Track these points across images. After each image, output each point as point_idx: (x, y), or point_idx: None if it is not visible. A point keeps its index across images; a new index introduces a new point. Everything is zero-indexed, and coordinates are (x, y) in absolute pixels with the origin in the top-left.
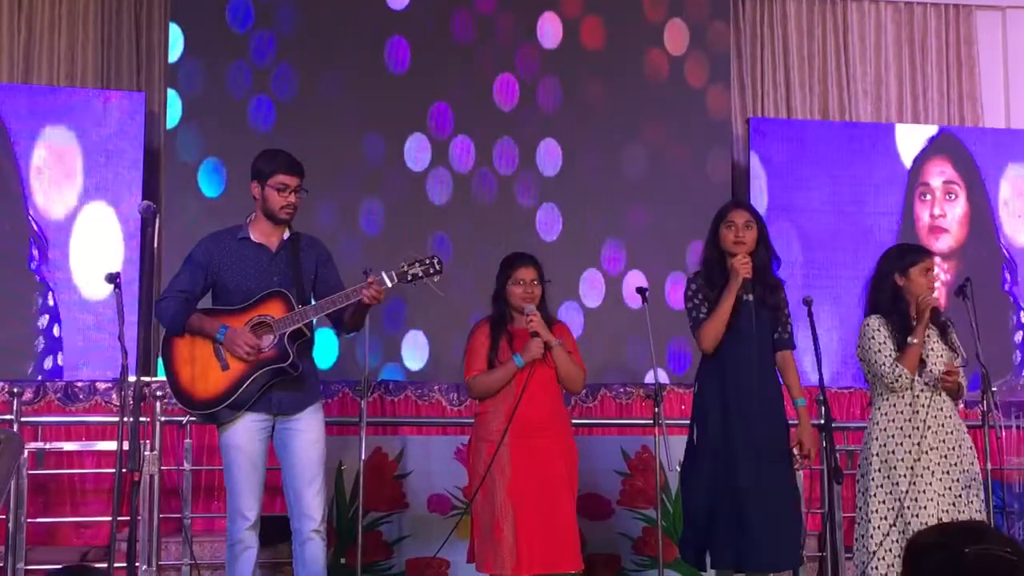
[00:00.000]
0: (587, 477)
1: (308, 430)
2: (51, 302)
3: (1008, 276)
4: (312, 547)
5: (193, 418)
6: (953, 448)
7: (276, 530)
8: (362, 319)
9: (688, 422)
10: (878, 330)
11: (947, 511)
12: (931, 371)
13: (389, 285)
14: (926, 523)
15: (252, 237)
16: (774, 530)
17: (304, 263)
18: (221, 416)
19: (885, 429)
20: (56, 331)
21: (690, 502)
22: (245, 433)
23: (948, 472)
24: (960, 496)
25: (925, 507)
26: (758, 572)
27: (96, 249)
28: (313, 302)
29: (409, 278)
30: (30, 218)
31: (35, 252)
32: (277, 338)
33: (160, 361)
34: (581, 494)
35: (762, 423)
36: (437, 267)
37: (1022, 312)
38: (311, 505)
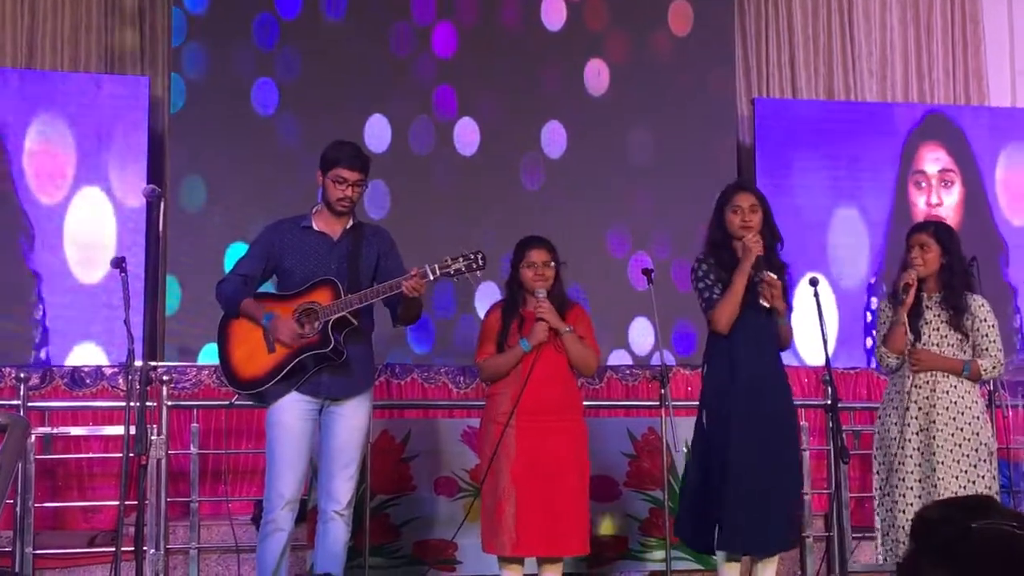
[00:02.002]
0: (594, 459)
1: (353, 416)
2: (46, 289)
3: (1005, 258)
4: (335, 528)
5: (242, 400)
6: (952, 431)
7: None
8: (414, 312)
9: (695, 404)
10: (882, 311)
11: (930, 492)
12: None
13: (431, 278)
14: (911, 503)
15: (315, 226)
16: (780, 512)
17: (365, 252)
18: (266, 396)
19: (884, 408)
20: (48, 319)
21: (691, 481)
22: (290, 412)
23: (936, 453)
24: (976, 478)
25: (912, 488)
26: (764, 555)
27: (91, 235)
28: None
29: (452, 272)
30: (23, 204)
31: (28, 239)
32: (321, 324)
33: (215, 345)
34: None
35: (770, 403)
36: (480, 263)
37: (1019, 294)
38: (340, 488)
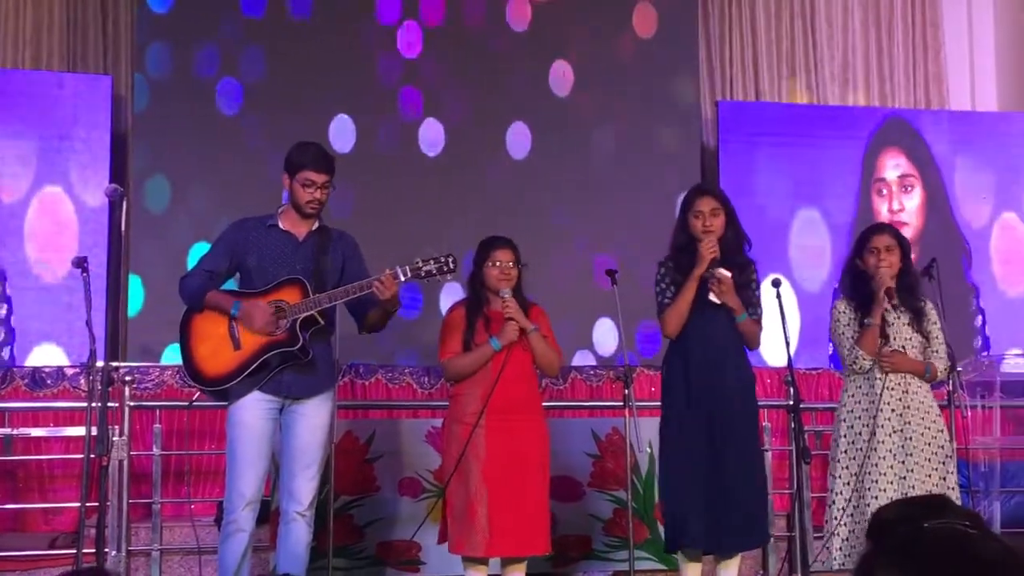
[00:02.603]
0: (558, 459)
1: (315, 416)
2: (7, 289)
3: (966, 258)
4: (297, 528)
5: (202, 400)
6: (922, 431)
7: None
8: (383, 320)
9: (659, 404)
10: (843, 313)
11: (907, 493)
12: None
13: (402, 279)
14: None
15: (281, 225)
16: (740, 511)
17: (331, 255)
18: (229, 394)
19: (852, 411)
20: (12, 318)
21: (663, 486)
22: (252, 411)
23: (911, 454)
24: (938, 480)
25: (884, 490)
26: (725, 555)
27: (52, 235)
28: None
29: (423, 274)
30: None
31: None
32: (289, 323)
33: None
34: (552, 476)
35: (728, 402)
36: (452, 266)
37: (978, 296)
38: (302, 488)
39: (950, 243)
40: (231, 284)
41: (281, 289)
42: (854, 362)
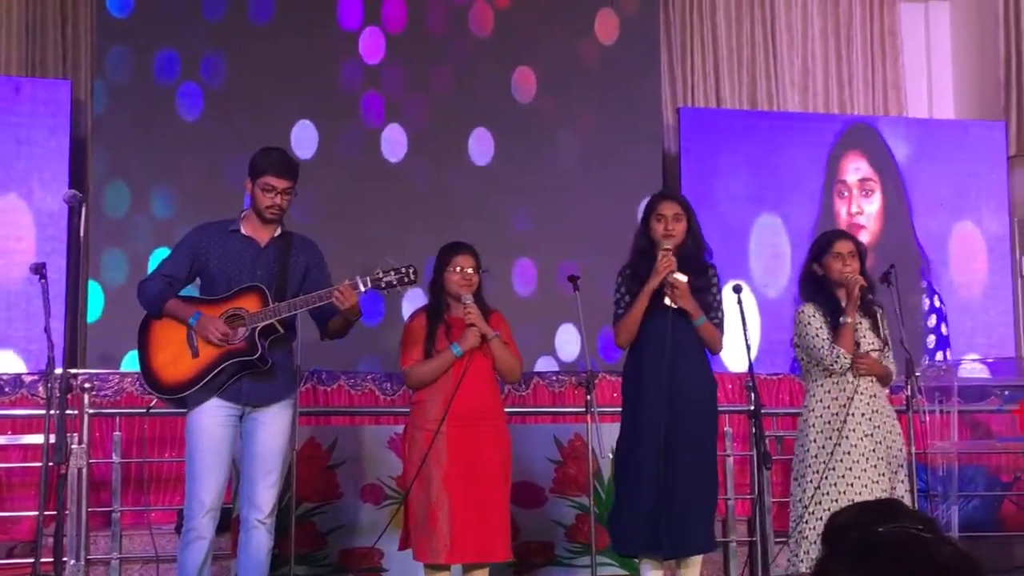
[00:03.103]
0: (520, 465)
1: (274, 423)
2: None
3: (923, 266)
4: (257, 536)
5: (159, 407)
6: (885, 435)
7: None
8: (345, 328)
9: (620, 410)
10: (813, 316)
11: (887, 493)
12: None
13: (362, 290)
14: None
15: (242, 230)
16: (686, 518)
17: (293, 262)
18: (187, 401)
19: (821, 416)
20: None
21: (619, 493)
22: (211, 418)
23: (883, 458)
24: (897, 483)
25: (861, 492)
26: (671, 558)
27: (10, 240)
28: None
29: (383, 285)
30: None
31: None
32: (248, 331)
33: (134, 348)
34: (514, 482)
35: (684, 407)
36: (412, 277)
37: (936, 297)
38: (263, 496)
39: (907, 250)
40: (190, 291)
41: (241, 296)
42: (835, 361)
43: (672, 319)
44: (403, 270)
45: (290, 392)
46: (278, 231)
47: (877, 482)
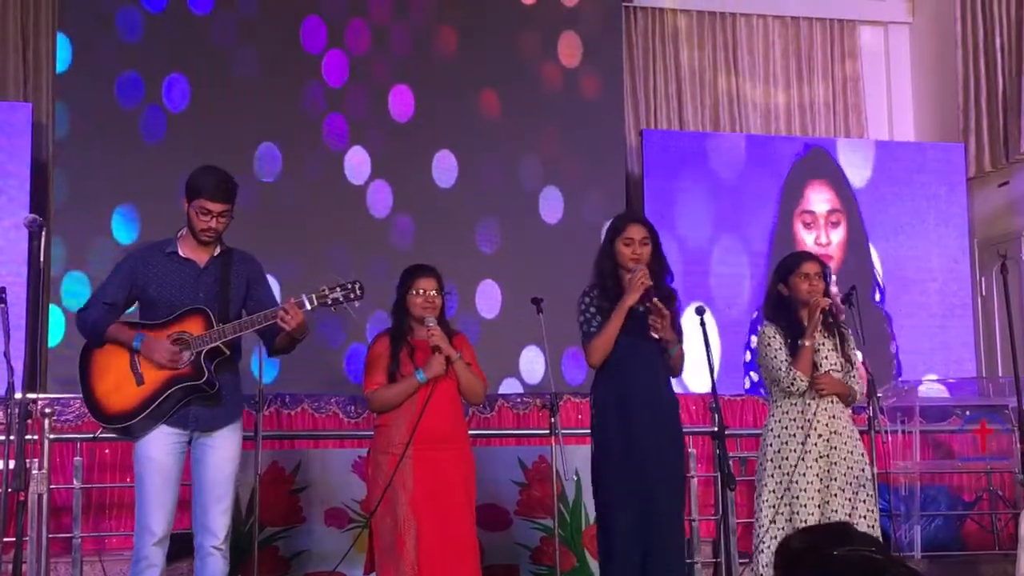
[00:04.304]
0: (485, 487)
1: (224, 448)
2: None
3: (879, 288)
4: (212, 563)
5: (107, 432)
6: (844, 455)
7: (180, 546)
8: (291, 345)
9: (585, 431)
10: (773, 337)
11: (830, 517)
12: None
13: (308, 308)
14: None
15: (180, 252)
16: (672, 544)
17: (235, 281)
18: (134, 430)
19: (779, 436)
20: None
21: (609, 518)
22: (159, 446)
23: (836, 479)
24: (858, 503)
25: (813, 513)
26: None
27: None
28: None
29: (330, 302)
30: None
31: None
32: (194, 355)
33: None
34: (479, 505)
35: (658, 432)
36: (358, 292)
37: (893, 323)
38: (216, 522)
39: (863, 273)
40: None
41: (184, 320)
42: (792, 383)
43: (642, 341)
44: (348, 285)
45: (238, 415)
46: (218, 250)
47: (828, 503)
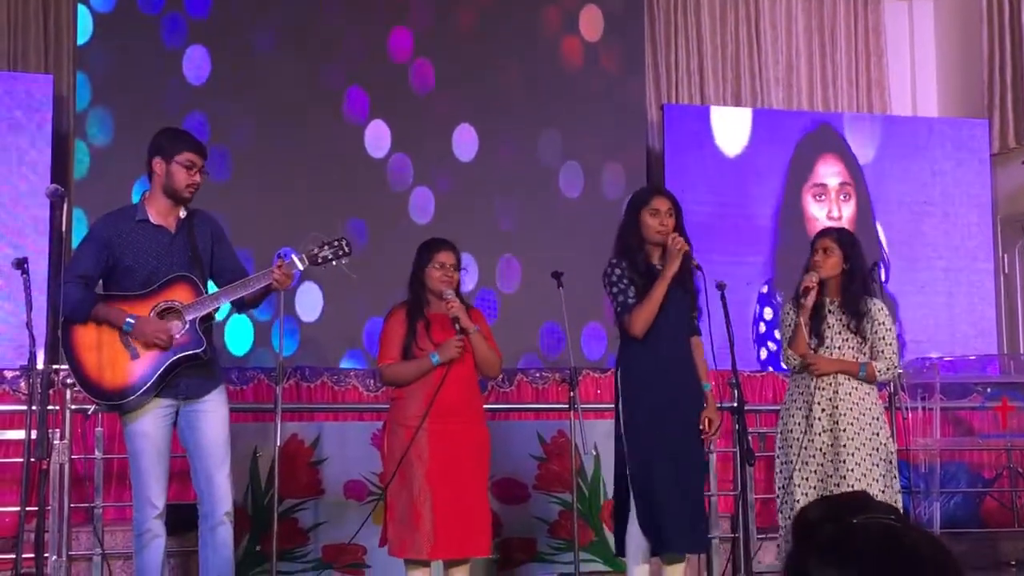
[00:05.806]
0: (503, 461)
1: (215, 411)
2: None
3: (883, 265)
4: (223, 531)
5: (98, 407)
6: (857, 431)
7: (184, 518)
8: (262, 297)
9: (604, 406)
10: (787, 314)
11: (831, 491)
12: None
13: (300, 268)
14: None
15: (151, 219)
16: (694, 513)
17: (200, 242)
18: (130, 404)
19: (788, 409)
20: None
21: (641, 486)
22: (152, 420)
23: (847, 456)
24: (877, 479)
25: (814, 487)
26: (676, 554)
27: None
28: (211, 280)
29: (319, 261)
30: None
31: None
32: (188, 324)
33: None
34: (497, 479)
35: (687, 403)
36: (346, 249)
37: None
38: (223, 488)
39: (871, 250)
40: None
41: (169, 288)
42: (785, 361)
43: (674, 312)
44: (335, 242)
45: (222, 378)
46: (183, 213)
47: (831, 476)
